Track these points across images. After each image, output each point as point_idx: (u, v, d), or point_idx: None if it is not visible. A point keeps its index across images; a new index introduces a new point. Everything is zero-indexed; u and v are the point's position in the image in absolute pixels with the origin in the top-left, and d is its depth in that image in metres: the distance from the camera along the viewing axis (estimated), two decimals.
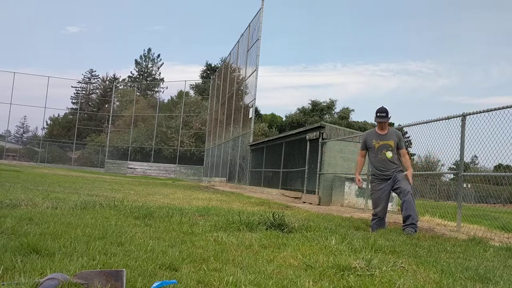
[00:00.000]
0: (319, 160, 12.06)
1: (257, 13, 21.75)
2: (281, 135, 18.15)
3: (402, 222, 5.22)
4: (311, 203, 11.33)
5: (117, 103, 50.46)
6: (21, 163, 37.96)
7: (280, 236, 3.77)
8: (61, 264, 2.18)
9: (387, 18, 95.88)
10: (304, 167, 13.50)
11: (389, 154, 5.37)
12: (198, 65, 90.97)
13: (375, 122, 5.50)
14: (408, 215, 5.04)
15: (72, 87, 57.06)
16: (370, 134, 5.58)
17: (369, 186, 10.65)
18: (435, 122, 6.68)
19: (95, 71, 63.09)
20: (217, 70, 40.56)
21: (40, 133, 53.32)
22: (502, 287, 2.48)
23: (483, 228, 6.21)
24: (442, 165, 7.95)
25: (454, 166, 7.28)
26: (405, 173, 5.32)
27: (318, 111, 45.70)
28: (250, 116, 21.38)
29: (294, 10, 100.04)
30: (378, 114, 5.36)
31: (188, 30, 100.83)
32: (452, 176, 7.21)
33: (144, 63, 59.48)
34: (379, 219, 5.42)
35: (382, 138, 5.41)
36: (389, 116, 5.36)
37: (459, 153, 6.05)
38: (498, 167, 6.12)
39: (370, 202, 9.96)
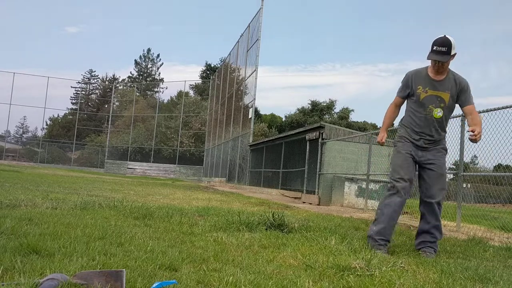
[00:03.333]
0: (318, 160, 12.06)
1: (256, 13, 21.75)
2: (281, 135, 18.15)
3: (416, 234, 3.81)
4: (310, 203, 11.32)
5: (117, 103, 50.44)
6: (21, 164, 37.93)
7: (280, 236, 3.76)
8: (61, 265, 2.18)
9: (386, 18, 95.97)
10: (304, 167, 13.50)
11: (438, 113, 3.64)
12: (197, 65, 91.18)
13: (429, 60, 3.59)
14: (428, 231, 3.66)
15: (71, 87, 57.09)
16: (418, 76, 3.72)
17: (369, 189, 10.70)
18: None
19: (95, 71, 63.16)
20: (216, 70, 40.56)
21: (40, 133, 53.35)
22: (502, 287, 2.48)
23: (483, 228, 6.21)
24: None
25: (454, 166, 7.28)
26: (472, 129, 3.47)
27: (317, 111, 45.72)
28: (249, 116, 21.38)
29: (294, 11, 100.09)
30: (435, 48, 3.50)
31: (188, 30, 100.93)
32: (451, 176, 7.22)
33: (144, 63, 59.50)
34: (396, 195, 3.59)
35: (434, 86, 3.64)
36: (452, 54, 3.50)
37: (458, 153, 6.05)
38: (498, 167, 6.12)
39: (370, 203, 10.01)
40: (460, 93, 3.67)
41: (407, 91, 3.77)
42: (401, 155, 3.70)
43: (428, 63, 3.68)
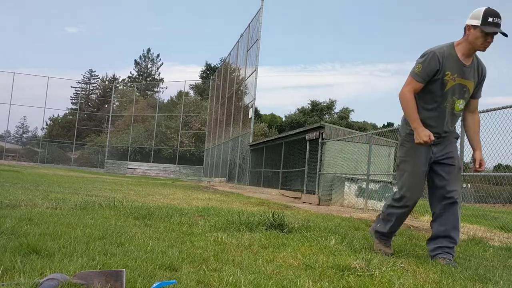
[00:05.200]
0: (318, 160, 12.07)
1: (256, 13, 21.75)
2: (281, 135, 18.15)
3: (429, 239, 3.30)
4: (310, 203, 11.32)
5: (117, 103, 50.45)
6: (21, 163, 37.93)
7: (279, 236, 3.76)
8: (61, 265, 2.18)
9: (385, 18, 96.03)
10: (304, 167, 13.50)
11: (460, 105, 3.03)
12: (197, 65, 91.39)
13: (483, 32, 2.90)
14: (447, 235, 3.11)
15: (71, 87, 57.16)
16: (450, 58, 2.94)
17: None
18: None
19: (95, 71, 63.17)
20: (216, 70, 40.56)
21: (40, 133, 53.39)
22: (502, 287, 2.48)
23: (483, 228, 6.21)
24: None
25: None
26: (476, 155, 3.17)
27: (317, 111, 45.73)
28: (249, 116, 21.38)
29: (293, 11, 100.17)
30: (491, 19, 2.86)
31: (188, 30, 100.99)
32: None
33: (144, 63, 59.51)
34: (404, 210, 3.20)
35: (463, 73, 2.96)
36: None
37: (458, 153, 6.05)
38: (498, 167, 6.12)
39: (370, 203, 10.00)
40: (480, 83, 3.08)
41: (432, 75, 2.92)
42: (414, 163, 3.10)
43: (451, 40, 2.99)
